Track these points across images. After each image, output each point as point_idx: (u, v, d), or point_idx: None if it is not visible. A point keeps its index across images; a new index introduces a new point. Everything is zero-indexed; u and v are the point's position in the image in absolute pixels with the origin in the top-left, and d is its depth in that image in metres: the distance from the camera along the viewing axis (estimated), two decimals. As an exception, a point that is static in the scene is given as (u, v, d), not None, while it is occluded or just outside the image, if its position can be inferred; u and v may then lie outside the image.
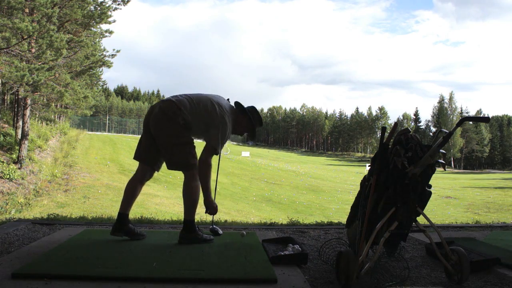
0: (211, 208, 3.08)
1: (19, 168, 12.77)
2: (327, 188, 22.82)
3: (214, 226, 3.40)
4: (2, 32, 10.55)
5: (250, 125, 3.17)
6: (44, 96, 15.48)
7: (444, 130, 2.31)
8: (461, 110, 72.44)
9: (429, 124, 78.74)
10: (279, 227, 4.14)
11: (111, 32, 17.03)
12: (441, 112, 70.99)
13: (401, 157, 2.25)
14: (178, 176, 18.56)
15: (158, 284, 2.16)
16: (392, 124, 2.51)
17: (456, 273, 2.31)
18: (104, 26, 17.29)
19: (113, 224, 3.13)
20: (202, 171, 2.98)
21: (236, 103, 3.22)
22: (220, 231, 3.37)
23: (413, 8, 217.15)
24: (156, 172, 3.21)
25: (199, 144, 2.89)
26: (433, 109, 75.27)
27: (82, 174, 15.49)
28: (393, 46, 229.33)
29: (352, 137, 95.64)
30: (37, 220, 4.03)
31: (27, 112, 13.57)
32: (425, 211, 2.35)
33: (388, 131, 2.34)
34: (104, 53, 19.01)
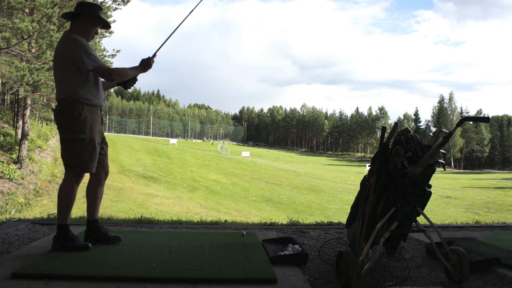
0: (144, 64, 2.91)
1: (19, 168, 12.77)
2: (327, 188, 22.83)
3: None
4: (2, 32, 10.55)
5: (91, 17, 2.86)
6: (44, 96, 15.47)
7: (444, 130, 2.31)
8: (461, 110, 72.49)
9: (429, 124, 78.92)
10: (279, 227, 4.14)
11: (111, 32, 17.00)
12: (441, 112, 71.00)
13: (401, 157, 2.25)
14: (178, 176, 18.54)
15: (158, 284, 2.16)
16: (392, 124, 2.51)
17: (456, 273, 2.31)
18: (104, 26, 17.26)
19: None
20: (113, 78, 2.81)
21: (64, 14, 2.96)
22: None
23: (414, 8, 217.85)
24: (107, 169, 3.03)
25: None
26: (433, 109, 75.42)
27: (82, 174, 15.47)
28: (393, 46, 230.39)
29: (352, 137, 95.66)
30: (37, 220, 4.03)
31: (27, 112, 13.58)
32: (425, 211, 2.35)
33: (388, 131, 2.34)
34: (104, 53, 18.97)
